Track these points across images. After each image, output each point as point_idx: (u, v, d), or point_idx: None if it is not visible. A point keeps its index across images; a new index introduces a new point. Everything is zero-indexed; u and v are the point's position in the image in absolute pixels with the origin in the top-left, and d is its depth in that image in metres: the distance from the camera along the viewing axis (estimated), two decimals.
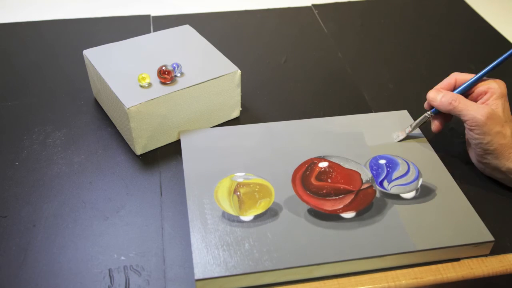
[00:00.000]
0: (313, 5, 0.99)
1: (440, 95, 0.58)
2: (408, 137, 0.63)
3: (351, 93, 0.75)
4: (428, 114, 0.61)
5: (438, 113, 0.60)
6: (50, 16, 0.93)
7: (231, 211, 0.52)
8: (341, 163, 0.58)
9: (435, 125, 0.61)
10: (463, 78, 0.59)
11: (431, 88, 0.77)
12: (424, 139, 0.63)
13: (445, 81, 0.60)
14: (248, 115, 0.70)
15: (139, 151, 0.62)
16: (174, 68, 0.62)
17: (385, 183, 0.56)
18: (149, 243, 0.52)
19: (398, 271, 0.50)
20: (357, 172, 0.57)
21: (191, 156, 0.59)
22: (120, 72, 0.63)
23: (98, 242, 0.52)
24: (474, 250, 0.51)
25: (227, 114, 0.68)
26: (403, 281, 0.49)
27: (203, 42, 0.70)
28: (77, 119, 0.68)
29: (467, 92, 0.59)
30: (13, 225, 0.53)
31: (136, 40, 0.71)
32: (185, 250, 0.51)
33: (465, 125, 0.57)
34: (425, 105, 0.62)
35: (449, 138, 0.67)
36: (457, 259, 0.52)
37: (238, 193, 0.54)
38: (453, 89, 0.59)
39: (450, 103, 0.57)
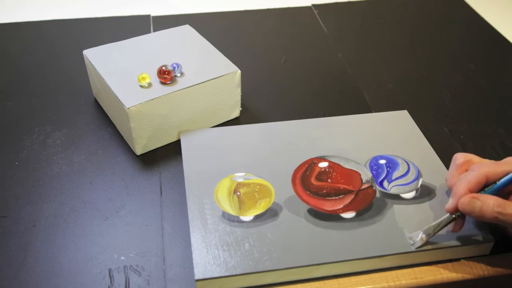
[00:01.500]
0: (313, 5, 0.99)
1: (477, 204, 0.46)
2: (408, 137, 0.63)
3: (351, 93, 0.75)
4: (455, 215, 0.49)
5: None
6: (51, 16, 0.93)
7: (231, 211, 0.52)
8: (341, 163, 0.58)
9: (458, 225, 0.49)
10: (494, 171, 0.47)
11: (431, 88, 0.77)
12: (424, 139, 0.63)
13: (472, 179, 0.47)
14: (248, 115, 0.70)
15: (139, 151, 0.62)
16: (174, 68, 0.62)
17: (385, 183, 0.56)
18: (149, 243, 0.52)
19: (398, 271, 0.50)
20: (357, 172, 0.57)
21: (191, 156, 0.59)
22: (120, 72, 0.63)
23: (98, 242, 0.52)
24: (474, 250, 0.51)
25: (227, 114, 0.68)
26: (403, 281, 0.49)
27: (203, 42, 0.70)
28: (77, 119, 0.68)
29: (505, 190, 0.47)
30: (13, 225, 0.53)
31: (136, 40, 0.71)
32: (185, 250, 0.51)
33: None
34: (449, 207, 0.49)
35: (449, 138, 0.67)
36: (457, 259, 0.52)
37: (238, 193, 0.54)
38: (483, 187, 0.48)
39: (496, 215, 0.45)
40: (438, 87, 0.77)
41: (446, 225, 0.49)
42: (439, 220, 0.49)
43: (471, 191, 0.48)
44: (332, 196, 0.54)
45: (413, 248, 0.49)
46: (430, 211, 0.53)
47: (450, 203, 0.48)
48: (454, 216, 0.49)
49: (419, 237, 0.49)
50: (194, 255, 0.48)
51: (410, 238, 0.50)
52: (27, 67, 0.78)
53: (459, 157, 0.52)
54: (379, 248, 0.49)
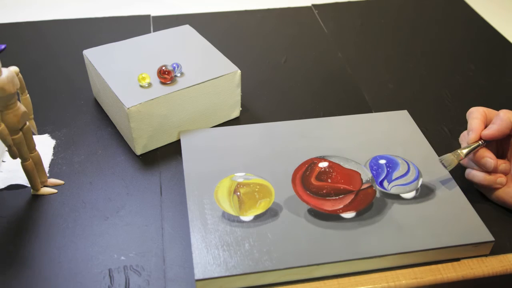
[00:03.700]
0: (313, 5, 0.99)
1: (493, 127, 0.54)
2: (408, 137, 0.63)
3: (351, 93, 0.75)
4: (480, 144, 0.55)
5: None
6: (51, 16, 0.93)
7: (231, 211, 0.52)
8: (341, 163, 0.58)
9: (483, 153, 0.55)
10: (489, 111, 0.57)
11: (431, 88, 0.77)
12: (424, 139, 0.63)
13: (479, 115, 0.56)
14: (248, 115, 0.70)
15: (139, 151, 0.62)
16: (174, 68, 0.62)
17: (385, 183, 0.56)
18: (149, 243, 0.52)
19: (398, 271, 0.50)
20: (357, 172, 0.57)
21: (191, 156, 0.59)
22: (120, 72, 0.63)
23: (98, 242, 0.52)
24: (474, 250, 0.51)
25: (227, 114, 0.68)
26: (403, 281, 0.49)
27: (203, 42, 0.70)
28: (77, 119, 0.68)
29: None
30: (13, 225, 0.53)
31: (136, 40, 0.71)
32: (185, 250, 0.51)
33: None
34: (470, 139, 0.56)
35: (449, 138, 0.67)
36: (457, 259, 0.52)
37: (238, 193, 0.54)
38: (486, 123, 0.56)
39: (509, 120, 0.54)
40: (438, 87, 0.77)
41: (472, 150, 0.55)
42: (468, 147, 0.55)
43: (484, 124, 0.56)
44: (332, 196, 0.54)
45: (447, 170, 0.56)
46: (430, 211, 0.53)
47: (471, 137, 0.55)
48: (478, 144, 0.55)
49: (452, 160, 0.55)
50: (194, 255, 0.48)
51: (442, 160, 0.56)
52: (27, 67, 0.78)
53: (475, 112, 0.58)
54: (379, 248, 0.49)
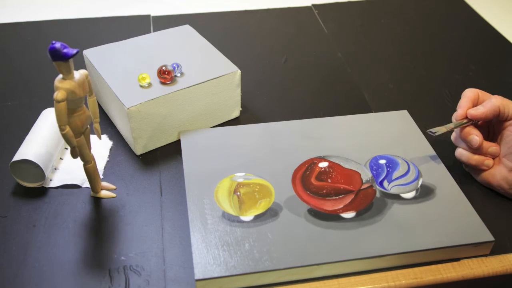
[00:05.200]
0: (313, 5, 0.99)
1: (481, 108, 0.56)
2: (408, 137, 0.63)
3: (351, 93, 0.75)
4: (466, 122, 0.58)
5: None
6: (51, 16, 0.93)
7: (231, 211, 0.52)
8: (341, 163, 0.58)
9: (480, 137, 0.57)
10: (483, 94, 0.59)
11: (431, 88, 0.77)
12: (424, 139, 0.63)
13: (471, 95, 0.58)
14: (248, 115, 0.70)
15: (139, 151, 0.62)
16: (174, 68, 0.62)
17: (385, 183, 0.56)
18: (149, 243, 0.52)
19: (398, 271, 0.50)
20: (357, 172, 0.57)
21: (191, 156, 0.59)
22: (120, 72, 0.63)
23: (98, 242, 0.52)
24: (474, 250, 0.51)
25: (227, 114, 0.68)
26: (403, 281, 0.49)
27: (203, 42, 0.70)
28: None
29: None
30: (13, 225, 0.53)
31: (136, 40, 0.71)
32: (185, 250, 0.51)
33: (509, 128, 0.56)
34: (457, 115, 0.59)
35: (449, 138, 0.67)
36: (457, 259, 0.52)
37: (238, 193, 0.54)
38: (476, 103, 0.59)
39: (497, 107, 0.55)
40: (438, 87, 0.77)
41: (460, 125, 0.58)
42: (456, 122, 0.58)
43: (473, 103, 0.58)
44: (332, 196, 0.54)
45: (435, 135, 0.57)
46: (430, 211, 0.53)
47: (458, 113, 0.58)
48: (466, 121, 0.57)
49: (440, 128, 0.57)
50: (194, 255, 0.48)
51: (431, 131, 0.57)
52: (27, 67, 0.78)
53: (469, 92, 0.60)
54: (379, 248, 0.49)
